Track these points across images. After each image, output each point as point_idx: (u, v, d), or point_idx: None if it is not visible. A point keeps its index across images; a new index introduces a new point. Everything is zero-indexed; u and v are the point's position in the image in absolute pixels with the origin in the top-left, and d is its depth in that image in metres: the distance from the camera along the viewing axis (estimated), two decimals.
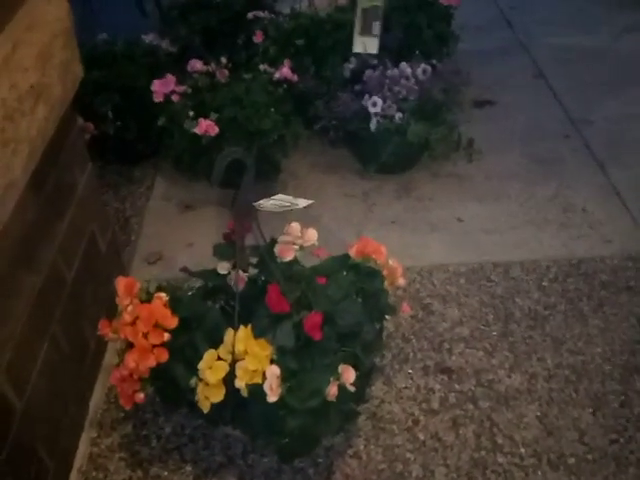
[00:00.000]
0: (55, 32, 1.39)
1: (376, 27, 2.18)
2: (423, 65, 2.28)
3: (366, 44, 2.22)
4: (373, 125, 2.17)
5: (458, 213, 2.19)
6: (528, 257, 1.99)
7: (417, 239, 2.09)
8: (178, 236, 2.13)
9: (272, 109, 2.11)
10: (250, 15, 2.56)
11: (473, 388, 1.60)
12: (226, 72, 2.18)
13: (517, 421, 1.52)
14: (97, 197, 1.73)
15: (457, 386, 1.61)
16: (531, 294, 1.86)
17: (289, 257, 1.32)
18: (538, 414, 1.54)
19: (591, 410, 1.54)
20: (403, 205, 2.25)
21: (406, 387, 1.61)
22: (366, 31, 2.20)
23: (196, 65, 2.29)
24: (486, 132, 2.53)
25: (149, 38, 2.56)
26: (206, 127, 2.02)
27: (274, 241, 1.36)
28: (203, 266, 1.45)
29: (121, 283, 1.24)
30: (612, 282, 1.88)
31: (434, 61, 2.32)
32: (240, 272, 1.32)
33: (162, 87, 2.17)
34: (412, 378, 1.63)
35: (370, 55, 2.31)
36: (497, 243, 2.06)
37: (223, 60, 2.23)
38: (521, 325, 1.76)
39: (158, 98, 2.17)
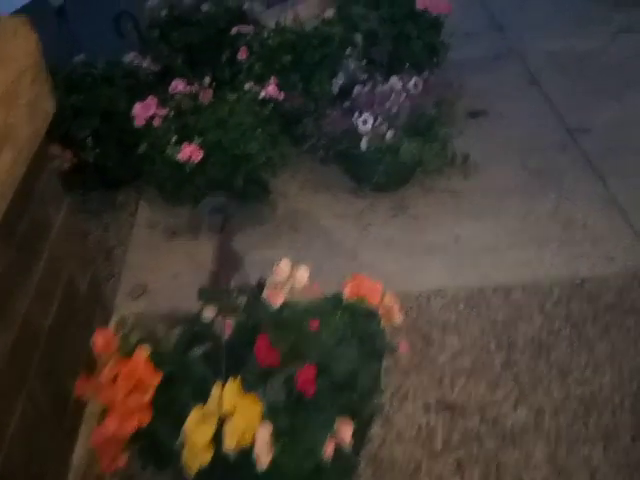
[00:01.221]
0: (22, 68, 1.30)
1: None
2: (415, 78, 2.20)
3: None
4: (364, 145, 2.09)
5: (455, 232, 2.11)
6: (529, 278, 1.91)
7: (414, 262, 2.01)
8: (163, 266, 2.04)
9: (259, 130, 2.02)
10: (234, 30, 2.48)
11: (477, 425, 1.52)
12: (210, 93, 2.10)
13: (525, 461, 1.45)
14: (76, 234, 1.64)
15: (460, 423, 1.53)
16: (534, 319, 1.78)
17: (278, 303, 1.24)
18: (547, 452, 1.46)
19: (602, 445, 1.47)
20: (399, 224, 2.17)
21: (407, 427, 1.53)
22: None
23: (178, 86, 2.21)
24: (481, 144, 2.46)
25: (130, 58, 2.48)
26: (190, 153, 1.94)
27: (262, 285, 1.28)
28: (189, 298, 1.37)
29: (99, 339, 1.16)
30: (617, 304, 1.80)
31: (425, 73, 2.25)
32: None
33: (143, 111, 2.09)
34: (413, 417, 1.55)
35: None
36: (496, 263, 1.98)
37: (207, 80, 2.14)
38: (525, 354, 1.68)
39: (139, 122, 2.09)
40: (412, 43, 2.44)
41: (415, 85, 2.20)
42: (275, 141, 2.04)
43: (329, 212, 2.25)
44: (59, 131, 2.02)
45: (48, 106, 1.40)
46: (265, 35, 2.37)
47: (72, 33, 2.28)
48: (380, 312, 1.33)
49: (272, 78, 2.20)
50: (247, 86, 2.19)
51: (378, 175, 2.14)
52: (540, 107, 2.69)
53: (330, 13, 2.46)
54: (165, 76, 2.48)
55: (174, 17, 2.54)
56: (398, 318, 1.37)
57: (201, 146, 1.95)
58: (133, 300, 1.90)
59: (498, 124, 2.61)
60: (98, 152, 2.09)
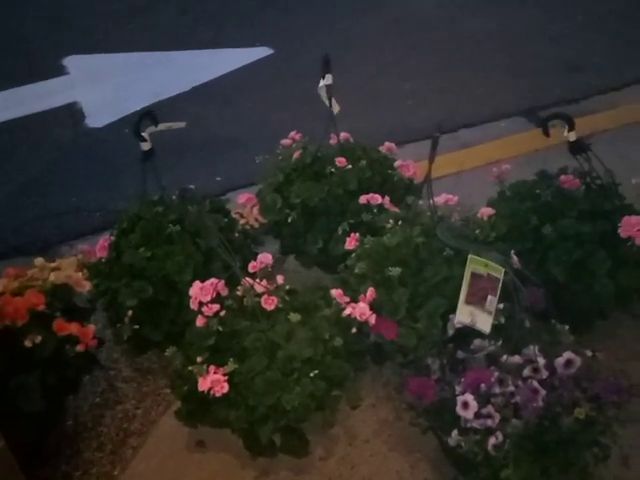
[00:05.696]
0: None
1: (491, 302, 1.42)
2: (568, 354, 1.46)
3: (475, 316, 1.48)
4: (453, 440, 1.42)
5: None
6: None
7: None
8: None
9: (314, 372, 1.48)
10: (363, 199, 1.96)
11: None
12: (275, 300, 1.60)
13: None
14: None
15: None
16: None
17: None
18: None
19: None
20: None
21: None
22: (476, 303, 1.45)
23: (261, 263, 1.75)
24: None
25: (242, 200, 2.11)
26: (211, 383, 1.47)
27: None
28: None
29: None
30: None
31: (589, 352, 1.49)
32: None
33: (201, 294, 1.68)
34: None
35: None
36: None
37: (279, 280, 1.66)
38: None
39: (193, 305, 1.69)
40: (596, 283, 1.67)
41: (567, 364, 1.46)
42: (327, 396, 1.48)
43: None
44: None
45: None
46: (390, 222, 1.81)
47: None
48: None
49: (369, 291, 1.64)
50: (334, 293, 1.66)
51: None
52: None
53: (488, 210, 1.79)
54: (268, 234, 2.08)
55: (304, 164, 2.10)
56: None
57: (231, 375, 1.48)
58: None
59: None
60: (136, 329, 1.74)
